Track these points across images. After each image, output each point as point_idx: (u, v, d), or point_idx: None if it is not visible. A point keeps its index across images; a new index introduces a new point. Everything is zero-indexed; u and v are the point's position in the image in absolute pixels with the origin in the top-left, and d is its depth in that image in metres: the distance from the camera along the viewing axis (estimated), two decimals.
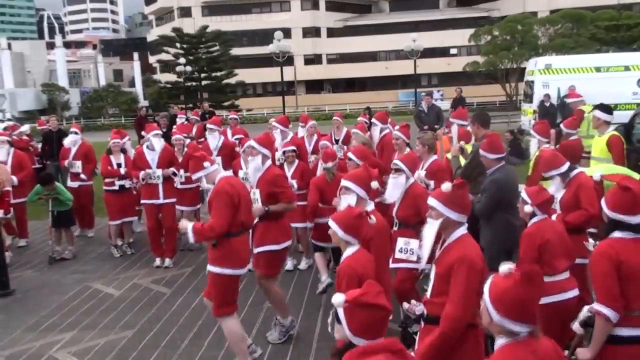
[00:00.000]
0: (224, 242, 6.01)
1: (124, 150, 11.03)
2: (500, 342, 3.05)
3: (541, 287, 3.03)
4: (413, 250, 6.24)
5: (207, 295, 6.30)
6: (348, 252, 4.66)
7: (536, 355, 2.97)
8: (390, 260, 6.47)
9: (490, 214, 6.38)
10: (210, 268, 6.13)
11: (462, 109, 10.17)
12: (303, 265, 9.67)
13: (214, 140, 11.09)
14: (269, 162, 6.88)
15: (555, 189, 6.21)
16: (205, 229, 5.93)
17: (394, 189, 6.36)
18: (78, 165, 11.73)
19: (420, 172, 7.20)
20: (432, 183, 7.15)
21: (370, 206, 5.50)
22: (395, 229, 6.53)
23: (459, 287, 4.01)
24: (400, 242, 6.34)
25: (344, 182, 5.54)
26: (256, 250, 6.76)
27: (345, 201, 5.44)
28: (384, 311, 3.03)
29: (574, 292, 5.21)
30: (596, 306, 3.98)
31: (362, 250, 4.75)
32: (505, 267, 3.09)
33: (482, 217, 6.53)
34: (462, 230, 4.22)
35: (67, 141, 12.00)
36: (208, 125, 10.96)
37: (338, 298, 3.15)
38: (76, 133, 12.04)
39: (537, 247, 5.18)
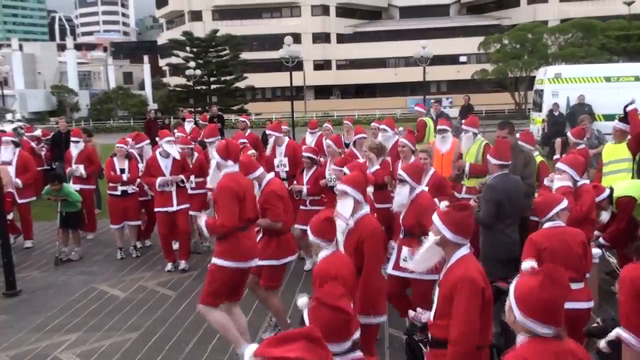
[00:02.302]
0: (230, 236, 6.09)
1: (129, 156, 11.01)
2: (521, 338, 3.04)
3: (566, 289, 3.00)
4: None
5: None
6: (321, 255, 4.73)
7: (557, 355, 2.94)
8: (392, 266, 6.47)
9: (493, 221, 6.36)
10: (214, 260, 6.21)
11: (473, 116, 10.19)
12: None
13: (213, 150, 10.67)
14: (268, 177, 6.85)
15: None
16: (217, 225, 6.07)
17: (398, 199, 6.32)
18: (81, 169, 11.76)
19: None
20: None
21: (366, 209, 5.50)
22: (401, 236, 6.51)
23: (461, 307, 3.96)
24: (405, 251, 6.30)
25: (340, 187, 5.48)
26: (259, 263, 6.77)
27: (342, 205, 5.43)
28: (344, 314, 3.02)
29: (573, 305, 5.15)
30: (620, 331, 3.91)
31: (337, 253, 4.79)
32: (528, 264, 3.08)
33: (486, 225, 6.51)
34: (464, 251, 4.15)
35: (73, 150, 12.00)
36: (206, 140, 10.82)
37: (303, 300, 3.16)
38: (77, 141, 12.03)
39: (536, 253, 5.16)
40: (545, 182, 7.12)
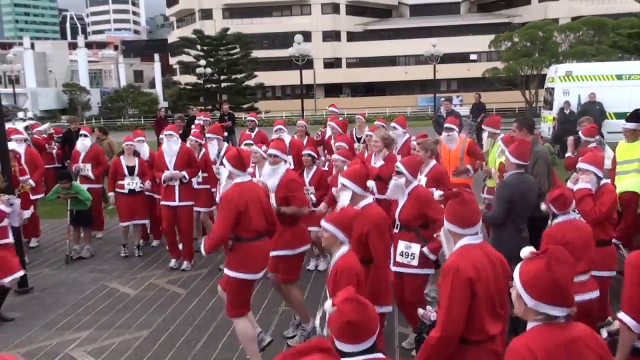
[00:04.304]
0: (238, 247, 6.09)
1: (137, 153, 11.04)
2: (531, 324, 3.01)
3: (572, 267, 2.99)
4: (414, 255, 6.20)
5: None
6: (342, 250, 4.75)
7: (571, 339, 2.92)
8: (391, 263, 6.41)
9: (504, 219, 6.37)
10: (225, 271, 6.21)
11: (494, 116, 10.24)
12: (322, 265, 9.71)
13: (213, 148, 10.66)
14: (285, 166, 6.98)
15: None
16: (209, 237, 6.12)
17: (394, 191, 6.31)
18: (88, 168, 11.80)
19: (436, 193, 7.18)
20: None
21: (369, 200, 5.48)
22: (396, 231, 6.47)
23: (444, 296, 3.95)
24: (401, 245, 6.26)
25: (341, 179, 5.54)
26: (272, 254, 6.78)
27: (343, 196, 5.45)
28: (345, 317, 2.99)
29: (580, 297, 5.14)
30: (620, 315, 3.93)
31: (351, 250, 4.83)
32: (527, 250, 3.07)
33: (495, 223, 6.53)
34: (465, 241, 4.09)
35: (78, 145, 12.06)
36: (207, 135, 10.82)
37: (328, 304, 3.22)
38: (86, 136, 12.09)
39: None
40: (568, 184, 7.10)
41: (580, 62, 37.62)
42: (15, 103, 47.77)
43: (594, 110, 18.63)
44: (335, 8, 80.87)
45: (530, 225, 6.65)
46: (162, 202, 10.14)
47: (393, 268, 6.33)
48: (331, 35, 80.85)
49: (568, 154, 9.45)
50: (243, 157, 6.26)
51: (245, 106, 59.69)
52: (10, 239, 8.08)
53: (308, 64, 40.90)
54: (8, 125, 11.79)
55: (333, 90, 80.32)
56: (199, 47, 63.86)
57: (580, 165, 6.71)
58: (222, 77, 63.09)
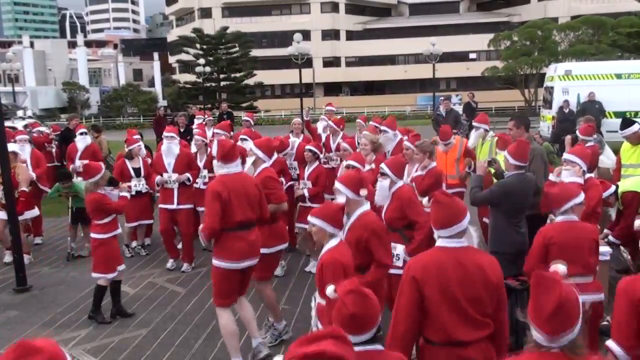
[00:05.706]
0: (221, 237, 6.16)
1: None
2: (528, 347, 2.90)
3: (559, 294, 2.74)
4: (399, 256, 6.21)
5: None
6: (331, 244, 4.71)
7: None
8: None
9: (477, 205, 6.67)
10: (212, 260, 6.30)
11: (483, 114, 10.24)
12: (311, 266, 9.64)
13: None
14: (263, 165, 6.96)
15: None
16: (202, 228, 6.11)
17: (379, 192, 6.35)
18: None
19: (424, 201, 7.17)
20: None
21: (366, 207, 5.46)
22: None
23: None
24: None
25: (336, 184, 5.54)
26: None
27: (338, 201, 5.46)
28: (348, 310, 3.02)
29: (581, 297, 5.09)
30: (609, 343, 3.78)
31: (343, 242, 4.81)
32: (561, 268, 3.01)
33: (474, 202, 6.77)
34: (440, 243, 3.92)
35: (78, 142, 12.07)
36: (215, 131, 10.77)
37: (330, 289, 3.32)
38: (85, 134, 12.11)
39: (543, 246, 5.19)
40: (551, 177, 7.11)
41: (580, 61, 37.62)
42: (15, 102, 47.72)
43: (593, 109, 18.62)
44: (335, 7, 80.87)
45: (529, 223, 6.69)
46: (161, 205, 10.10)
47: None
48: (330, 34, 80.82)
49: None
50: (226, 149, 6.24)
51: (244, 105, 59.74)
52: (120, 230, 8.17)
53: (307, 62, 40.90)
54: (7, 124, 11.82)
55: (332, 89, 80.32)
56: (198, 45, 63.82)
57: (566, 156, 6.72)
58: (222, 76, 63.09)
